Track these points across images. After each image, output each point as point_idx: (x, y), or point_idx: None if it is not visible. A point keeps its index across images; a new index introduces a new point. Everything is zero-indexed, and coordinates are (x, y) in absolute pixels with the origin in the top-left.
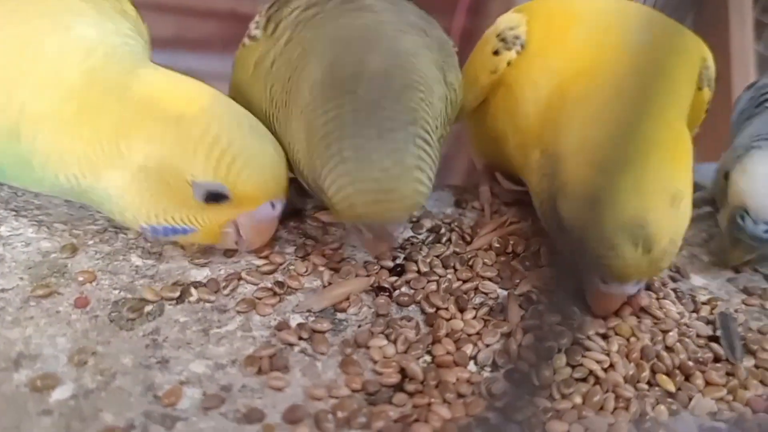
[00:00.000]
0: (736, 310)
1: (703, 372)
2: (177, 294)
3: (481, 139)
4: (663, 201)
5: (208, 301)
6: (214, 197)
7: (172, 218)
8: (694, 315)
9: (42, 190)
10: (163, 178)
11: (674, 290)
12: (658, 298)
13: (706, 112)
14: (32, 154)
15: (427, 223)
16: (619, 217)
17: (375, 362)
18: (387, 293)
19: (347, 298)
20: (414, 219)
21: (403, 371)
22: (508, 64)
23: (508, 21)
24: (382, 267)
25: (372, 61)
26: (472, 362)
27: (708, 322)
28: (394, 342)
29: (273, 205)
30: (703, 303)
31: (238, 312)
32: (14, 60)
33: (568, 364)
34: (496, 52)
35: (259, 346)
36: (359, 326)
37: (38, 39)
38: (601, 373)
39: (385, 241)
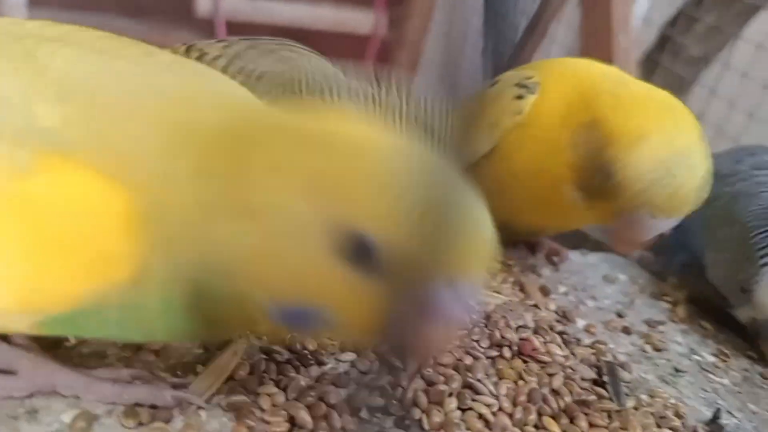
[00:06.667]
0: (619, 353)
1: (586, 414)
2: None
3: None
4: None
5: None
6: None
7: (301, 287)
8: (578, 358)
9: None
10: (309, 224)
11: (560, 333)
12: (545, 342)
13: None
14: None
15: None
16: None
17: None
18: None
19: None
20: None
21: None
22: None
23: (519, 73)
24: None
25: None
26: None
27: (591, 365)
28: None
29: (452, 289)
30: (587, 346)
31: None
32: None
33: (458, 408)
34: (519, 97)
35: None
36: None
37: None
38: (490, 417)
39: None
